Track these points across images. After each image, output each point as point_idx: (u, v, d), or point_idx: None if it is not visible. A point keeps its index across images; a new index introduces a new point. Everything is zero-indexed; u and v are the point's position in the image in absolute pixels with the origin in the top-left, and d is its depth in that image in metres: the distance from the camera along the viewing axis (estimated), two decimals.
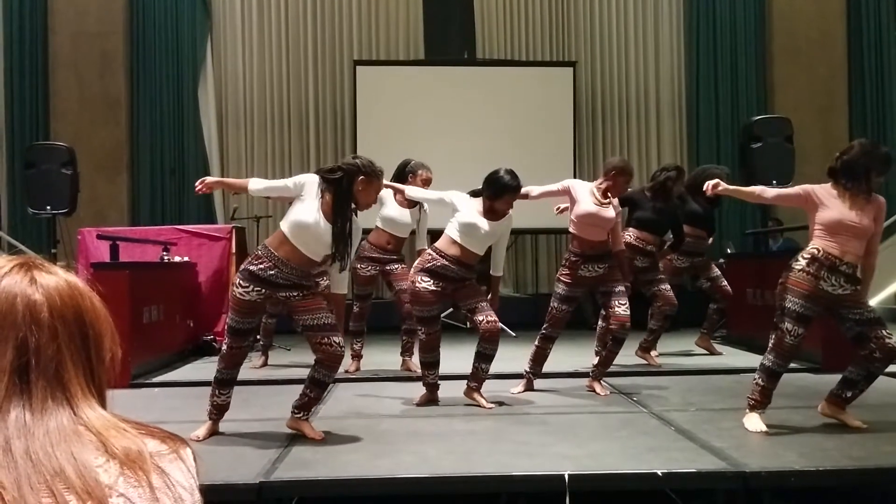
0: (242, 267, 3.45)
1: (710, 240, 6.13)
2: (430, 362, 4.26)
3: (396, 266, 5.16)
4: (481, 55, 9.26)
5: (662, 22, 9.46)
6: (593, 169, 8.91)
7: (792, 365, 5.13)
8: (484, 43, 9.30)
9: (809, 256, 3.43)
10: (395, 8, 9.29)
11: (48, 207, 6.21)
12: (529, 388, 4.59)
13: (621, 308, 4.37)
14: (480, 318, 4.07)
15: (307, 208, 3.33)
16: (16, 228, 8.40)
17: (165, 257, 6.09)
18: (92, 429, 0.85)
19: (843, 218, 3.41)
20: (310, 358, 6.09)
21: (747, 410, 3.56)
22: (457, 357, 4.85)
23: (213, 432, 3.52)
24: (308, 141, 9.24)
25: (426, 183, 4.98)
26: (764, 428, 3.46)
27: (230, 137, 9.21)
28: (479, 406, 4.12)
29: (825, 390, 4.50)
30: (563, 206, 4.87)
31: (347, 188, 3.38)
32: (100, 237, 6.14)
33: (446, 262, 4.07)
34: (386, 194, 4.94)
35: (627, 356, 5.87)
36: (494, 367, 5.18)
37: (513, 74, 8.95)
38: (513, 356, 5.12)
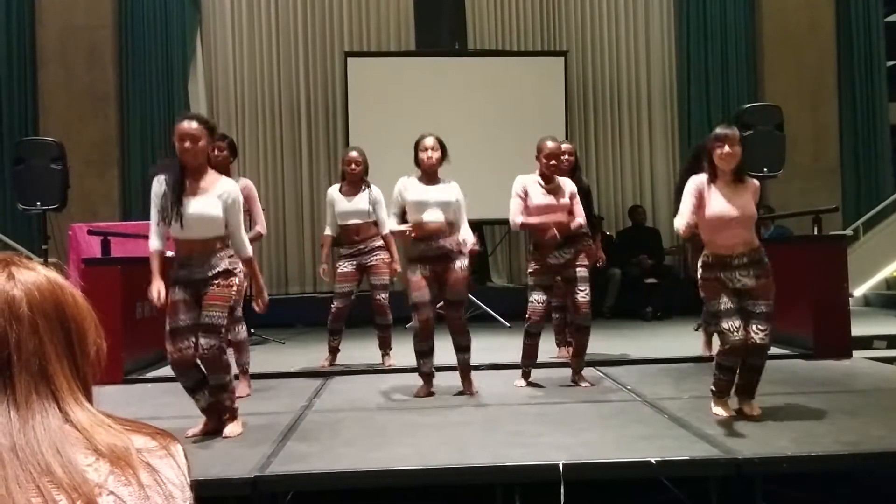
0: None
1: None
2: (424, 350, 4.28)
3: (372, 258, 5.13)
4: (472, 46, 9.24)
5: (653, 10, 9.45)
6: (585, 159, 8.92)
7: (784, 351, 5.21)
8: (475, 33, 9.28)
9: (702, 265, 3.58)
10: None
11: (38, 203, 6.16)
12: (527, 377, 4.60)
13: (580, 294, 4.37)
14: (452, 313, 4.24)
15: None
16: (5, 225, 8.36)
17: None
18: (78, 425, 0.85)
19: (723, 212, 3.49)
20: (304, 351, 6.12)
21: (712, 397, 3.67)
22: (453, 349, 4.85)
23: (211, 427, 3.47)
24: (300, 133, 9.21)
25: (348, 164, 5.15)
26: (729, 413, 3.55)
27: (221, 130, 9.17)
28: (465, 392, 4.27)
29: (817, 377, 4.56)
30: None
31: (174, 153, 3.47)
32: (91, 233, 6.11)
33: (422, 247, 4.16)
34: (332, 192, 5.22)
35: (615, 346, 5.89)
36: (489, 359, 5.21)
37: (504, 65, 8.92)
38: (503, 346, 5.14)
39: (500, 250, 9.25)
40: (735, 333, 3.47)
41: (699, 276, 3.60)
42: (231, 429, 3.45)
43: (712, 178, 3.55)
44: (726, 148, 3.48)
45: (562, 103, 8.71)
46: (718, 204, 3.50)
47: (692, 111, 9.28)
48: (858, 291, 8.40)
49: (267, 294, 3.63)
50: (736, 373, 3.59)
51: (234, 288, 3.41)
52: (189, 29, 8.96)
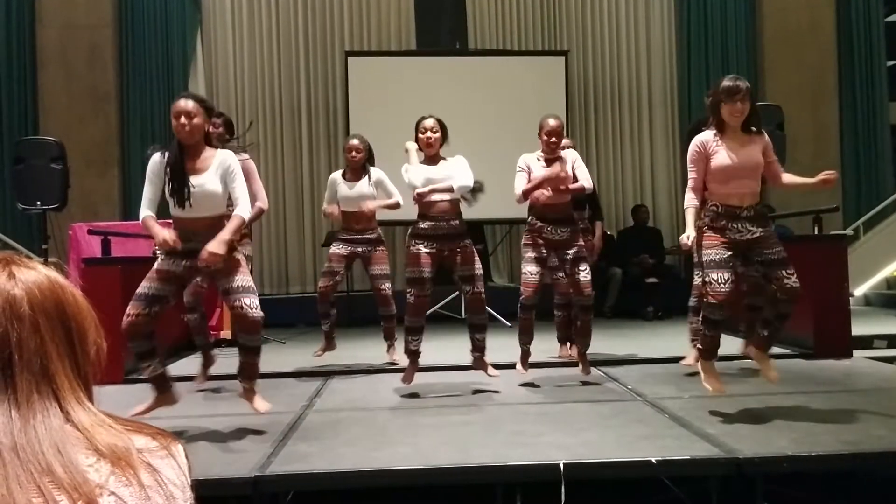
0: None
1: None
2: (415, 327, 4.26)
3: (370, 248, 5.12)
4: (473, 45, 9.24)
5: (654, 10, 9.45)
6: (586, 158, 8.90)
7: (784, 351, 5.21)
8: (475, 33, 9.27)
9: (711, 214, 3.52)
10: None
11: (38, 203, 6.16)
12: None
13: (581, 274, 4.36)
14: (467, 288, 4.25)
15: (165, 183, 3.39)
16: (5, 225, 8.36)
17: (158, 252, 6.06)
18: (79, 425, 0.85)
19: (729, 163, 3.47)
20: (305, 351, 6.12)
21: (697, 357, 3.68)
22: (454, 348, 4.86)
23: (158, 403, 3.49)
24: (300, 133, 9.21)
25: (348, 151, 5.16)
26: (719, 387, 3.55)
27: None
28: (487, 374, 4.35)
29: (818, 376, 4.56)
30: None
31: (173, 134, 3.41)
32: (91, 232, 6.11)
33: (429, 224, 4.17)
34: (335, 176, 5.21)
35: (616, 346, 5.89)
36: (489, 359, 5.20)
37: (505, 64, 8.92)
38: (503, 346, 5.14)
39: (501, 250, 9.25)
40: (723, 285, 3.42)
41: (703, 227, 3.50)
42: (261, 403, 3.54)
43: (720, 131, 3.51)
44: (738, 105, 3.44)
45: (562, 103, 8.70)
46: (725, 156, 3.48)
47: (693, 111, 9.26)
48: (859, 291, 8.40)
49: (218, 249, 3.27)
50: (721, 329, 3.55)
51: (242, 258, 3.49)
52: (189, 28, 8.95)
